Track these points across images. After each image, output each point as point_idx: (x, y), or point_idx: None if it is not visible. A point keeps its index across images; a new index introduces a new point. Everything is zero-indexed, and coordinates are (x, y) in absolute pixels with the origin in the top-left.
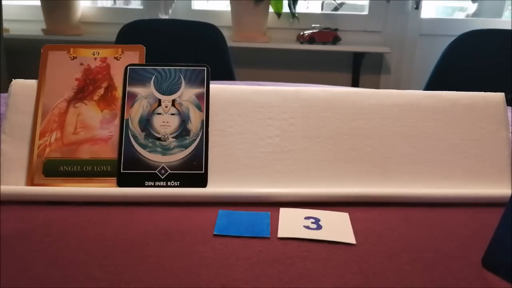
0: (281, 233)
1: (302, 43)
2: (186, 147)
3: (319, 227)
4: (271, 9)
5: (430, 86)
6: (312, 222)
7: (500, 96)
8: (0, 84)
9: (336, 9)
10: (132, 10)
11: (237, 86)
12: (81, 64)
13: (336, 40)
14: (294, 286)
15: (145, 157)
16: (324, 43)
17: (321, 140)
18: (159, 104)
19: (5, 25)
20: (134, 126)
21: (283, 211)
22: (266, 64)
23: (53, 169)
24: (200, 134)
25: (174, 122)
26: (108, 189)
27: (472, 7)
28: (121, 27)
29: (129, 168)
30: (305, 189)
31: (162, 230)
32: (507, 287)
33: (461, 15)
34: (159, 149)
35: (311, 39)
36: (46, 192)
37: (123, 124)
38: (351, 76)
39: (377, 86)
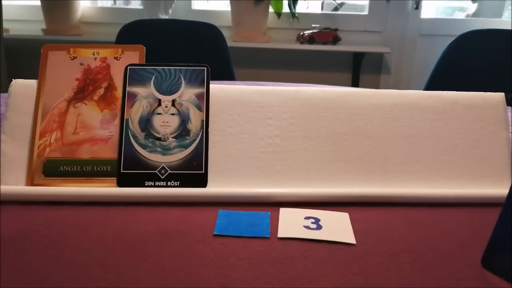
0: (281, 233)
1: (302, 43)
2: (186, 147)
3: (319, 227)
4: (271, 9)
5: (430, 86)
6: (312, 222)
7: (500, 96)
8: (0, 84)
9: (336, 9)
10: (132, 10)
11: (237, 86)
12: (81, 64)
13: (336, 40)
14: (294, 286)
15: (145, 157)
16: (324, 43)
17: (321, 140)
18: (159, 104)
19: (5, 25)
20: (134, 126)
21: (283, 211)
22: (266, 64)
23: (53, 169)
24: (200, 134)
25: (174, 122)
26: (108, 189)
27: (472, 7)
28: (121, 27)
29: (129, 168)
30: (305, 189)
31: (162, 230)
32: (507, 287)
33: (461, 15)
34: (159, 149)
35: (311, 39)
36: (46, 192)
37: (123, 124)
38: (351, 76)
39: (377, 86)
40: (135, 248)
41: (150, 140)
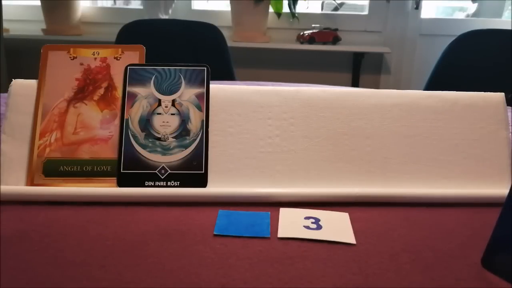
0: (281, 233)
1: (302, 43)
2: (186, 147)
3: (319, 227)
4: (271, 9)
5: (430, 86)
6: (312, 222)
7: (500, 96)
8: (0, 84)
9: (336, 9)
10: (132, 10)
11: (237, 86)
12: (81, 64)
13: (336, 40)
14: (294, 286)
15: (145, 157)
16: (324, 43)
17: (321, 140)
18: (159, 104)
19: (5, 25)
20: (134, 126)
21: (283, 211)
22: (266, 64)
23: (53, 169)
24: (200, 134)
25: (174, 122)
26: (108, 189)
27: (472, 7)
28: (121, 27)
29: (129, 168)
30: (305, 189)
31: (162, 230)
32: (507, 287)
33: (461, 15)
34: (159, 149)
35: (311, 39)
36: (46, 192)
37: (123, 124)
38: (351, 76)
39: (377, 86)
40: (135, 248)
41: (150, 140)
